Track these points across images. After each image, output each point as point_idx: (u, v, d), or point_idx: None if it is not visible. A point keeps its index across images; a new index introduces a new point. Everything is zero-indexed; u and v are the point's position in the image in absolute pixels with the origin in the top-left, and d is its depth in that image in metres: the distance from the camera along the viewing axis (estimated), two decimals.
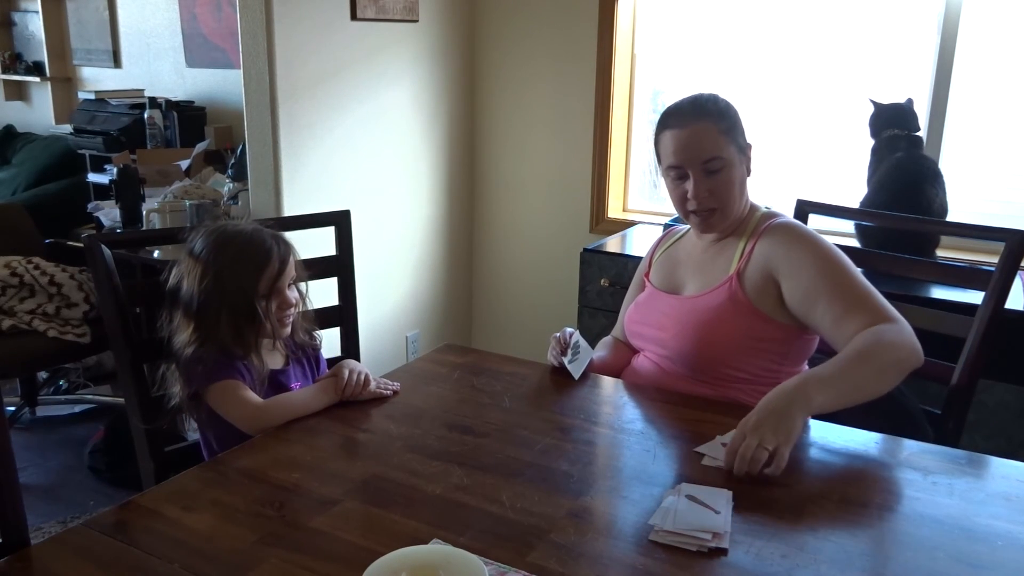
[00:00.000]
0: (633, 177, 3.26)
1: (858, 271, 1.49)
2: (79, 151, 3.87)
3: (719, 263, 1.58)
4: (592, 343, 1.74)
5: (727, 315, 1.52)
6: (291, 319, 1.56)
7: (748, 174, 1.58)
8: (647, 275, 1.74)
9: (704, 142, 1.51)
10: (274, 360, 1.57)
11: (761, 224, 1.56)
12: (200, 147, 3.60)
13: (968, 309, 1.69)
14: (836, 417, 1.41)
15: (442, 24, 3.16)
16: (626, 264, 2.60)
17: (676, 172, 1.55)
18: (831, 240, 1.58)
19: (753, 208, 1.61)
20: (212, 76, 3.91)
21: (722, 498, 1.14)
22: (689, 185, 1.53)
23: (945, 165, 2.56)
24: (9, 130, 4.48)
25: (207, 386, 1.44)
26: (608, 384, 1.61)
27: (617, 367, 1.72)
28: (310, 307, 1.65)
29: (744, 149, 1.57)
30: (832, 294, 1.44)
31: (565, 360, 1.59)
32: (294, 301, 1.55)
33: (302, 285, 1.60)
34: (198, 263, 1.48)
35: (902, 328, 1.39)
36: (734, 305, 1.51)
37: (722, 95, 1.59)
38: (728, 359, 1.52)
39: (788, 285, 1.49)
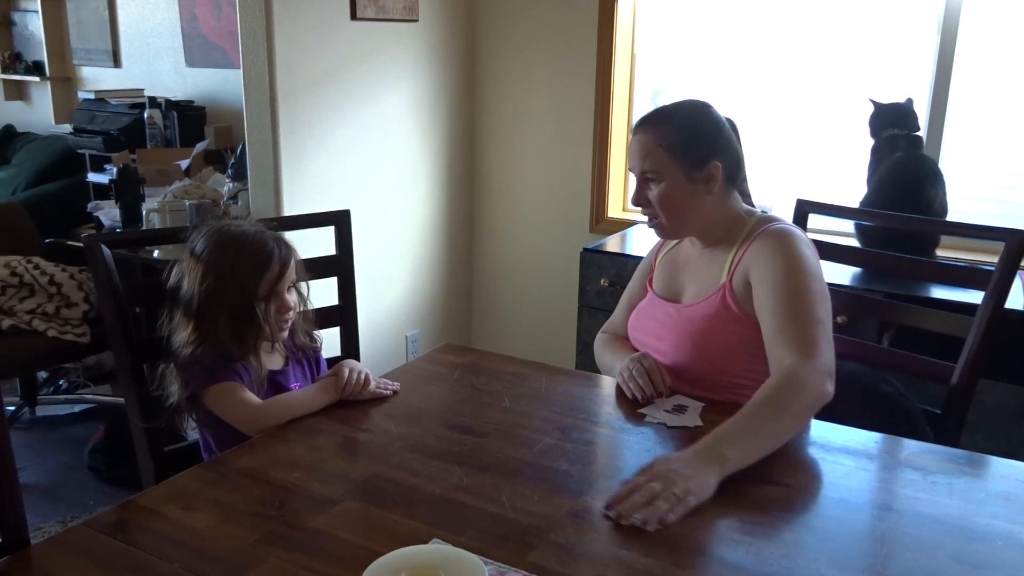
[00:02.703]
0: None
1: (819, 299, 1.42)
2: (79, 151, 3.87)
3: (713, 270, 1.57)
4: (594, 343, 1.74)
5: (721, 324, 1.51)
6: (290, 323, 1.56)
7: (711, 192, 1.52)
8: (650, 279, 1.73)
9: (639, 153, 1.54)
10: (273, 361, 1.57)
11: (755, 230, 1.54)
12: (200, 147, 3.60)
13: (968, 309, 1.69)
14: (835, 417, 1.41)
15: (442, 24, 3.16)
16: (626, 264, 2.60)
17: (633, 175, 1.60)
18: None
19: (747, 214, 1.58)
20: (212, 76, 3.91)
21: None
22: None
23: (945, 165, 2.56)
24: (9, 130, 4.48)
25: (205, 388, 1.44)
26: (608, 384, 1.61)
27: None
28: (311, 308, 1.65)
29: (698, 167, 1.51)
30: (776, 308, 1.43)
31: (662, 408, 1.45)
32: (293, 305, 1.54)
33: (303, 286, 1.60)
34: (199, 263, 1.47)
35: (816, 367, 1.33)
36: (727, 313, 1.50)
37: (708, 108, 1.55)
38: (727, 367, 1.51)
39: (754, 290, 1.48)
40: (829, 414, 1.39)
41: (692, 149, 1.51)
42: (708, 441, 1.22)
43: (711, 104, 1.58)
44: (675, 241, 1.72)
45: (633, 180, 1.61)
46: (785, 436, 1.29)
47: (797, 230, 1.54)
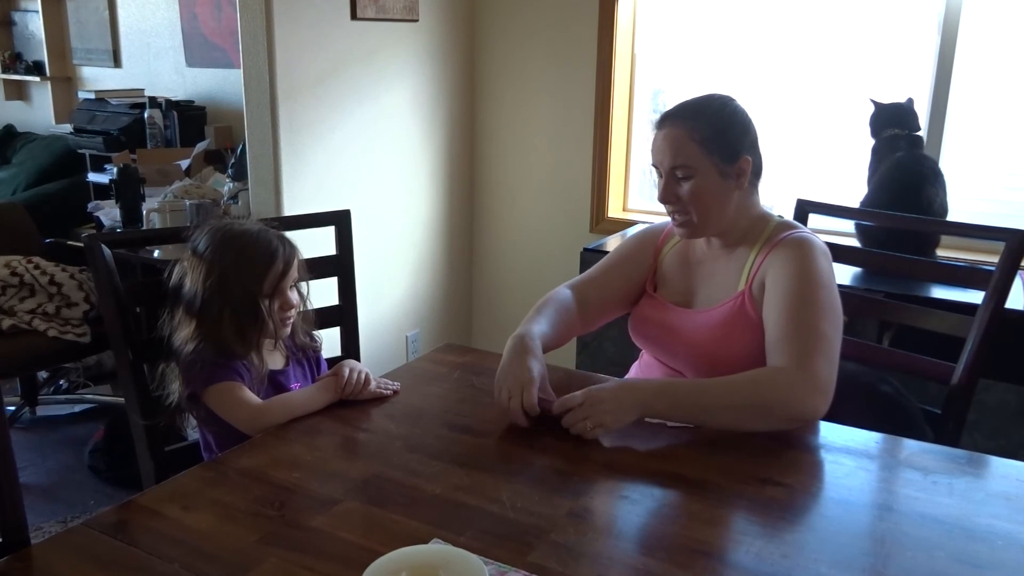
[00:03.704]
0: (633, 177, 3.25)
1: (827, 312, 1.41)
2: (79, 151, 3.87)
3: (730, 274, 1.54)
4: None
5: (739, 331, 1.48)
6: (292, 320, 1.56)
7: (741, 188, 1.50)
8: (652, 281, 1.66)
9: (672, 147, 1.48)
10: (274, 360, 1.57)
11: (775, 236, 1.50)
12: (200, 147, 3.60)
13: (968, 309, 1.69)
14: (835, 417, 1.41)
15: (442, 24, 3.16)
16: None
17: (656, 171, 1.54)
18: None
19: (764, 217, 1.55)
20: (212, 76, 3.91)
21: None
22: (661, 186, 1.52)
23: (945, 165, 2.56)
24: (9, 130, 4.48)
25: (205, 388, 1.44)
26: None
27: (562, 340, 1.60)
28: (311, 308, 1.65)
29: (730, 162, 1.47)
30: (780, 317, 1.41)
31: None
32: (295, 303, 1.55)
33: (303, 286, 1.60)
34: (202, 261, 1.48)
35: (805, 380, 1.33)
36: (746, 320, 1.48)
37: (735, 102, 1.51)
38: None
39: (765, 295, 1.46)
40: (830, 414, 1.38)
41: (725, 143, 1.47)
42: (648, 388, 1.38)
43: (736, 98, 1.53)
44: (677, 239, 1.66)
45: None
46: (723, 419, 1.35)
47: (816, 239, 1.50)
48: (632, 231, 1.73)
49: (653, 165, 1.55)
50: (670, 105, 1.55)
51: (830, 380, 1.36)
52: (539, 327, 1.52)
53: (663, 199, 1.52)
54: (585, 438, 1.32)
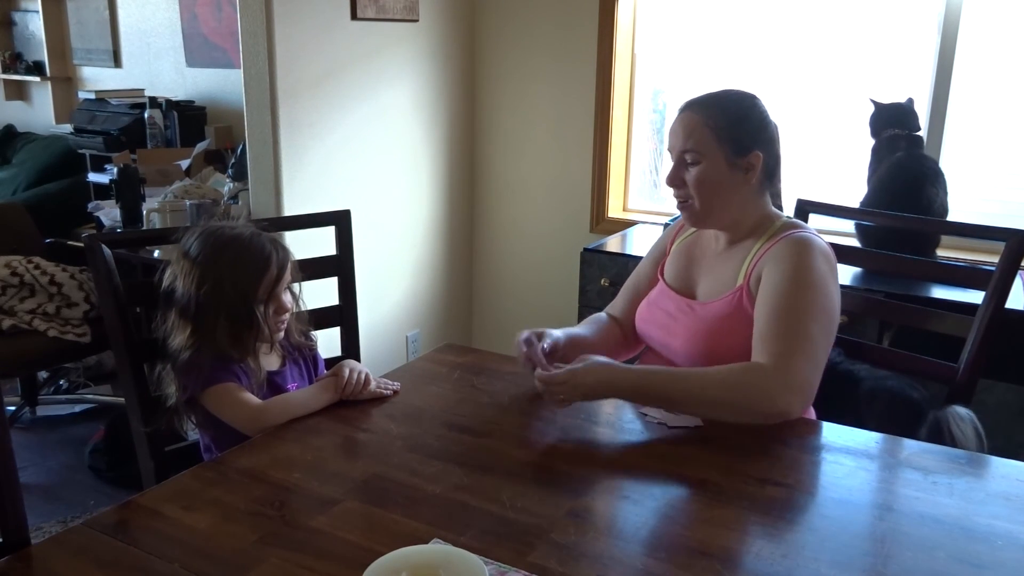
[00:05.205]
0: (633, 177, 3.25)
1: (817, 313, 1.40)
2: (79, 151, 3.87)
3: (730, 269, 1.54)
4: (593, 341, 1.72)
5: (735, 326, 1.48)
6: (286, 323, 1.55)
7: (749, 183, 1.50)
8: (663, 266, 1.70)
9: (685, 131, 1.50)
10: (270, 361, 1.56)
11: (778, 234, 1.51)
12: (200, 147, 3.60)
13: (968, 309, 1.69)
14: (842, 418, 1.41)
15: (442, 24, 3.16)
16: (626, 264, 2.59)
17: (671, 156, 1.56)
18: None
19: (772, 216, 1.55)
20: (212, 76, 3.91)
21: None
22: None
23: (945, 165, 2.56)
24: (9, 130, 4.48)
25: (203, 390, 1.44)
26: None
27: (603, 347, 1.66)
28: (305, 308, 1.64)
29: (741, 154, 1.48)
30: (768, 315, 1.41)
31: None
32: (289, 306, 1.54)
33: (295, 287, 1.59)
34: (195, 266, 1.46)
35: (779, 380, 1.34)
36: (742, 316, 1.48)
37: (757, 99, 1.53)
38: None
39: (759, 292, 1.47)
40: (851, 413, 1.38)
41: (737, 134, 1.49)
42: (626, 381, 1.39)
43: (759, 97, 1.55)
44: (692, 229, 1.67)
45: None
46: (697, 412, 1.40)
47: (819, 240, 1.49)
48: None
49: (668, 149, 1.57)
50: (673, 103, 1.57)
51: (808, 381, 1.37)
52: (567, 330, 1.65)
53: (669, 182, 1.55)
54: (552, 405, 1.42)
